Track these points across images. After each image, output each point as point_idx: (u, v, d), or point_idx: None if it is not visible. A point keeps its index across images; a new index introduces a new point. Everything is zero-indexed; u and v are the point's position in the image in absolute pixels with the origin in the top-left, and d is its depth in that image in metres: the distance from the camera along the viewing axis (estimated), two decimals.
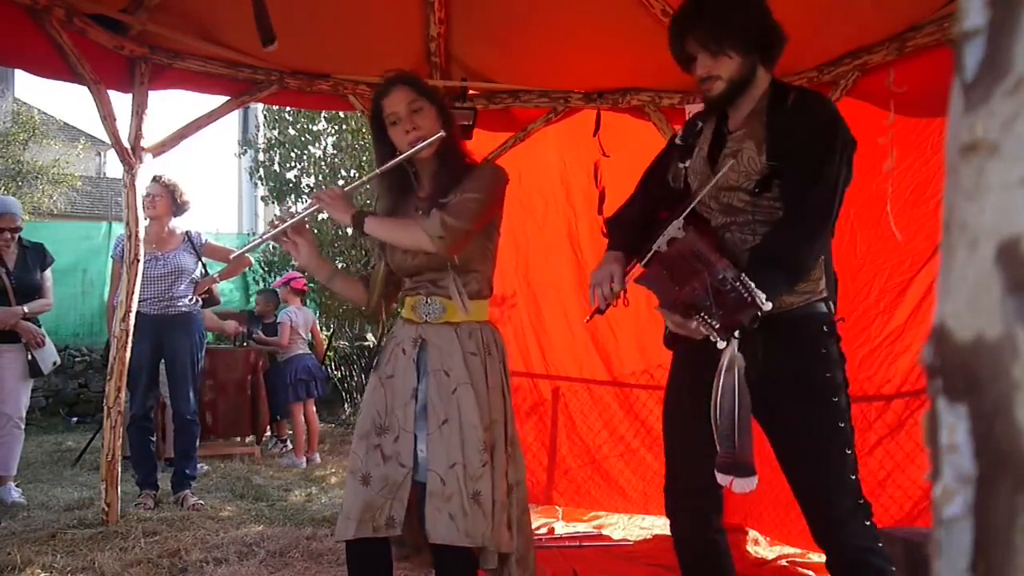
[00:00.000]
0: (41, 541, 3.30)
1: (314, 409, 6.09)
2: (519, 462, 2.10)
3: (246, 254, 2.21)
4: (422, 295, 2.03)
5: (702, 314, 1.54)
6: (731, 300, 1.49)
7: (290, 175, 9.24)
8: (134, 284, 3.60)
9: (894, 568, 1.79)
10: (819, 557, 2.11)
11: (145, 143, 3.59)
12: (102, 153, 22.54)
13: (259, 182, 9.80)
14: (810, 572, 3.04)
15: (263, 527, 3.73)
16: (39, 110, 17.33)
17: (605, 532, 3.75)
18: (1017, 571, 0.31)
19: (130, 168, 3.56)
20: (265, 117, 9.94)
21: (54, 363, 4.43)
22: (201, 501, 4.18)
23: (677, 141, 2.02)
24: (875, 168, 2.99)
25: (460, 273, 2.01)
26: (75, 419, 8.00)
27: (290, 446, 6.15)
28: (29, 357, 4.26)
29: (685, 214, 1.76)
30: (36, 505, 4.13)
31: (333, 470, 5.49)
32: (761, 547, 3.48)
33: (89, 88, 3.33)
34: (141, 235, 3.64)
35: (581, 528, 3.81)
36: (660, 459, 3.78)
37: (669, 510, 1.99)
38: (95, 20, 3.22)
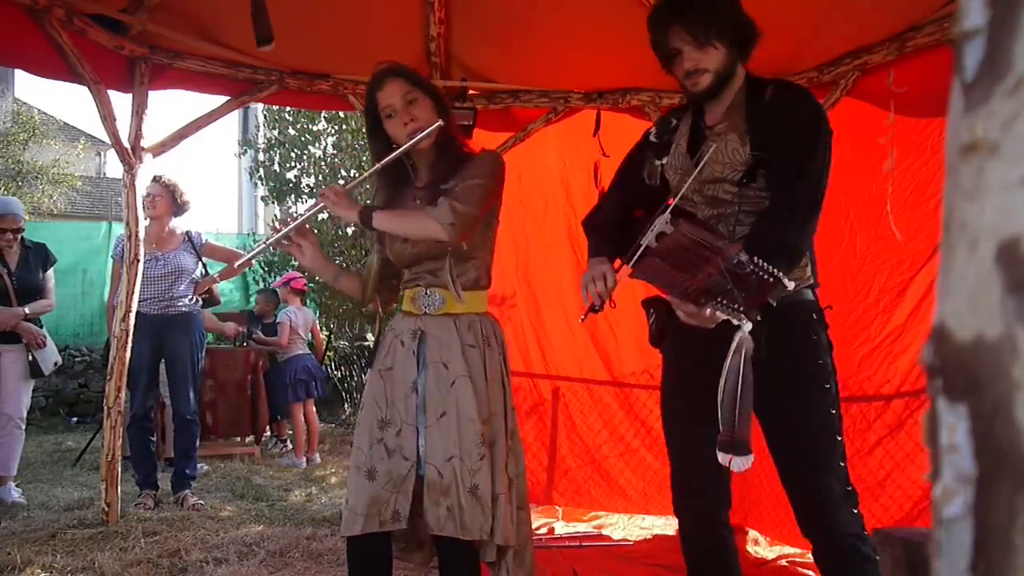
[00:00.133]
0: (41, 541, 3.30)
1: (314, 409, 6.09)
2: (519, 456, 2.09)
3: (252, 260, 2.20)
4: (421, 287, 2.02)
5: (719, 299, 1.52)
6: (753, 282, 1.48)
7: (290, 175, 9.25)
8: (134, 284, 3.60)
9: (879, 558, 1.80)
10: None
11: (145, 143, 3.59)
12: (102, 153, 22.54)
13: (259, 182, 9.81)
14: (810, 572, 3.04)
15: (263, 527, 3.73)
16: (39, 110, 17.33)
17: (605, 532, 3.75)
18: (1017, 571, 0.31)
19: (130, 168, 3.56)
20: (265, 117, 9.95)
21: (55, 363, 4.43)
22: (201, 501, 4.18)
23: (652, 138, 2.03)
24: (875, 168, 2.99)
25: (459, 261, 2.00)
26: (75, 419, 8.00)
27: (290, 446, 6.15)
28: (30, 358, 4.26)
29: (672, 207, 1.76)
30: (36, 505, 4.13)
31: (333, 470, 5.49)
32: (761, 547, 3.48)
33: (89, 88, 3.33)
34: (141, 235, 3.64)
35: (581, 528, 3.81)
36: (660, 459, 3.81)
37: (676, 507, 1.99)
38: (95, 20, 3.22)
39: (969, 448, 0.33)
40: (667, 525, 3.81)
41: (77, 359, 8.53)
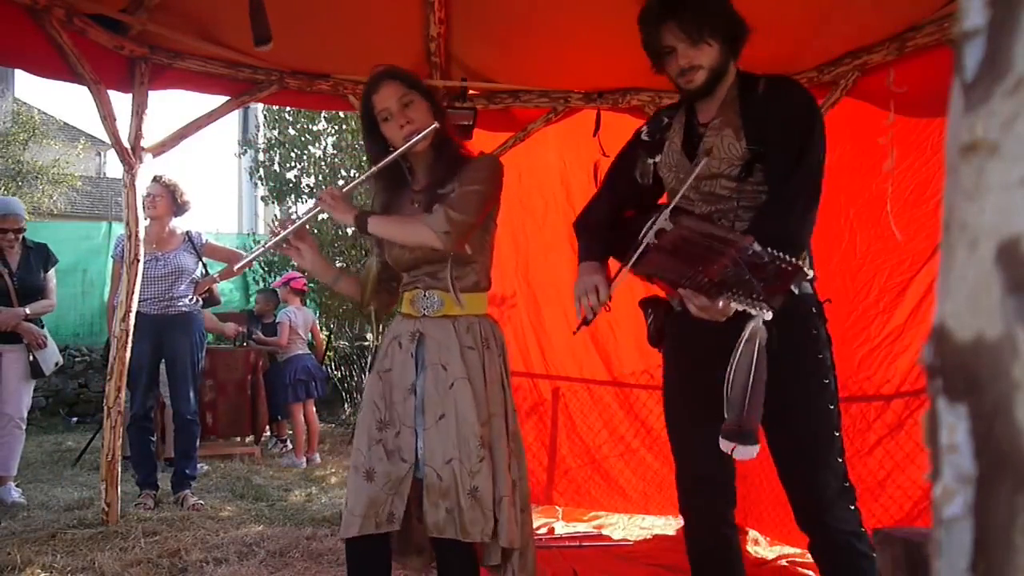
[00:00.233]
0: (41, 541, 3.30)
1: (314, 409, 6.09)
2: (521, 458, 2.08)
3: (252, 261, 2.19)
4: (420, 289, 2.02)
5: (734, 290, 1.51)
6: (771, 271, 1.47)
7: (290, 175, 9.25)
8: (134, 284, 3.60)
9: (875, 555, 1.80)
10: None
11: (145, 143, 3.59)
12: (102, 153, 22.54)
13: (259, 182, 9.81)
14: (810, 572, 3.04)
15: (263, 527, 3.73)
16: (39, 110, 17.33)
17: (605, 532, 3.75)
18: (1017, 571, 0.31)
19: (130, 168, 3.56)
20: (265, 117, 9.95)
21: (56, 364, 4.44)
22: (201, 501, 4.18)
23: (644, 137, 2.03)
24: (875, 168, 2.99)
25: (458, 265, 2.00)
26: (75, 419, 8.00)
27: (290, 446, 6.15)
28: (31, 358, 4.26)
29: (673, 204, 1.77)
30: (36, 505, 4.13)
31: (333, 470, 5.49)
32: (761, 547, 3.48)
33: (89, 88, 3.33)
34: (141, 235, 3.64)
35: (581, 528, 3.81)
36: (660, 459, 3.81)
37: (681, 506, 1.99)
38: (95, 20, 3.22)
39: (969, 448, 0.33)
40: (667, 525, 3.81)
41: (77, 359, 8.53)
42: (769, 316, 1.53)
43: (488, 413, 1.95)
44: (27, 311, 4.22)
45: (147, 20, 3.30)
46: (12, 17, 2.97)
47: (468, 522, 1.85)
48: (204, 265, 4.39)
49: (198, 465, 4.58)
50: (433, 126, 1.96)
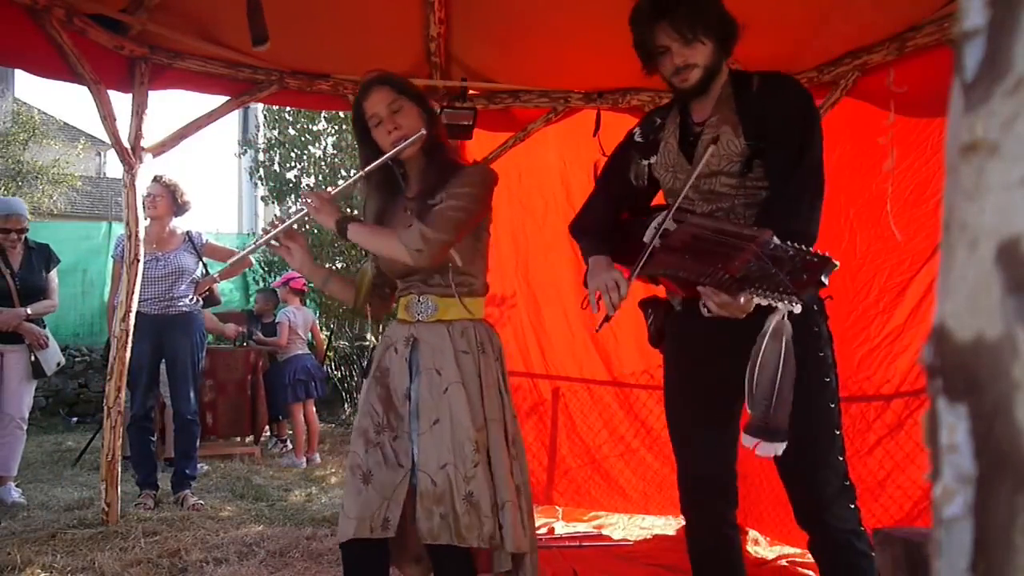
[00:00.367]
0: (41, 541, 3.30)
1: (314, 409, 6.09)
2: (523, 463, 2.05)
3: (248, 258, 2.19)
4: (414, 294, 2.01)
5: (757, 285, 1.48)
6: (797, 264, 1.45)
7: (290, 175, 9.25)
8: (134, 284, 3.60)
9: (874, 554, 1.80)
10: None
11: (145, 143, 3.59)
12: (102, 153, 22.53)
13: (259, 182, 9.80)
14: (810, 572, 3.04)
15: (263, 527, 3.73)
16: (39, 110, 17.32)
17: (605, 532, 3.75)
18: (1017, 571, 0.31)
19: (130, 168, 3.56)
20: (265, 117, 9.95)
21: (58, 364, 4.44)
22: (201, 501, 4.18)
23: (637, 138, 2.02)
24: (875, 168, 2.99)
25: (456, 272, 1.99)
26: (75, 419, 8.00)
27: (290, 446, 6.15)
28: (32, 358, 4.26)
29: (677, 204, 1.76)
30: (36, 505, 4.13)
31: (333, 470, 5.49)
32: (761, 547, 3.48)
33: (89, 88, 3.33)
34: (141, 235, 3.64)
35: (581, 528, 3.81)
36: (660, 459, 3.81)
37: (683, 506, 1.99)
38: (95, 20, 3.22)
39: (969, 448, 0.33)
40: (667, 525, 3.81)
41: (77, 359, 8.53)
42: (798, 309, 1.50)
43: (484, 417, 1.93)
44: (29, 311, 4.22)
45: (147, 20, 3.30)
46: (12, 17, 2.97)
47: (464, 527, 1.82)
48: (204, 265, 4.39)
49: (198, 465, 4.58)
50: (419, 133, 1.94)
